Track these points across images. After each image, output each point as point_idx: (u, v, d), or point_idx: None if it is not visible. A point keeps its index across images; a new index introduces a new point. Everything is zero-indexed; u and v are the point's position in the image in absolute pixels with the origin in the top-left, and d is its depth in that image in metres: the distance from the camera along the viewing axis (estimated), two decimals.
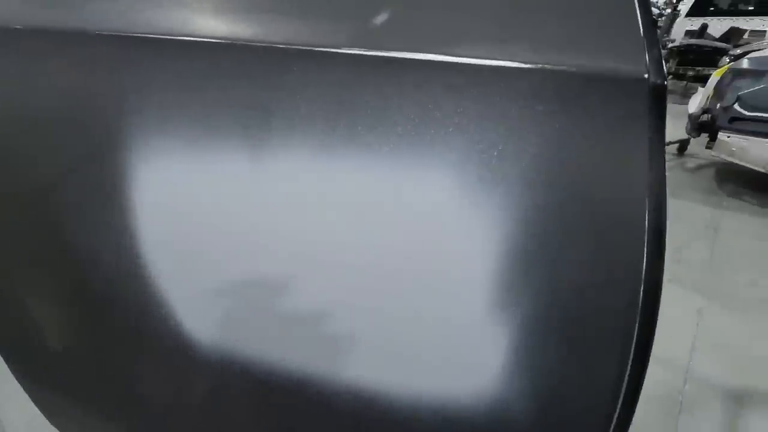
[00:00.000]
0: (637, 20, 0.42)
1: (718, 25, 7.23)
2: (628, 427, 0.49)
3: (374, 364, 0.49)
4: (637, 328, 0.44)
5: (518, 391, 0.47)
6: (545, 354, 0.46)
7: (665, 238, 0.43)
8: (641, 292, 0.43)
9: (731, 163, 3.68)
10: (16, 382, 0.78)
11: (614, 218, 0.43)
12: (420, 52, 0.46)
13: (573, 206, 0.44)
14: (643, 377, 0.47)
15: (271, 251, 0.52)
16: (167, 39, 0.53)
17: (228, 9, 0.56)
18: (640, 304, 0.43)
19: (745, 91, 3.24)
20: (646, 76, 0.41)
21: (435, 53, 0.46)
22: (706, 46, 6.89)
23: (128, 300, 0.61)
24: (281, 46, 0.51)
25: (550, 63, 0.43)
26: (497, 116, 0.45)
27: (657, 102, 0.42)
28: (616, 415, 0.47)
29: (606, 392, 0.46)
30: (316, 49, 0.49)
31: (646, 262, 0.42)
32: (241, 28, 0.54)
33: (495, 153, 0.45)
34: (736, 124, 3.34)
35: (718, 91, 3.50)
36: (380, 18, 0.49)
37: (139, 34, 0.53)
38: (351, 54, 0.48)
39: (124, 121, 0.55)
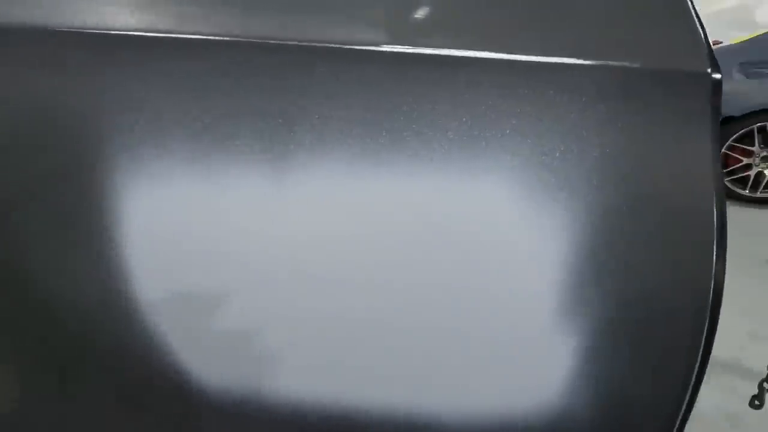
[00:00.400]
0: (693, 17, 0.42)
1: None
2: (684, 427, 0.48)
3: (444, 373, 0.44)
4: (706, 329, 0.43)
5: (589, 395, 0.44)
6: (617, 358, 0.44)
7: (727, 234, 0.43)
8: (711, 293, 0.42)
9: None
10: None
11: (684, 216, 0.42)
12: (472, 49, 0.42)
13: (641, 206, 0.42)
14: (703, 378, 0.46)
15: (320, 291, 0.45)
16: (164, 37, 0.45)
17: (236, 2, 0.48)
18: (709, 305, 0.42)
19: None
20: (708, 70, 0.41)
21: (489, 50, 0.42)
22: None
23: (123, 353, 0.50)
24: (306, 43, 0.44)
25: (613, 59, 0.41)
26: (557, 116, 0.42)
27: (716, 96, 0.41)
28: (679, 419, 0.46)
29: (674, 394, 0.44)
30: (351, 47, 0.44)
31: (716, 260, 0.42)
32: (255, 23, 0.46)
33: (557, 155, 0.42)
34: None
35: None
36: (422, 12, 0.45)
37: (128, 33, 0.44)
38: (392, 52, 0.43)
39: (110, 136, 0.45)
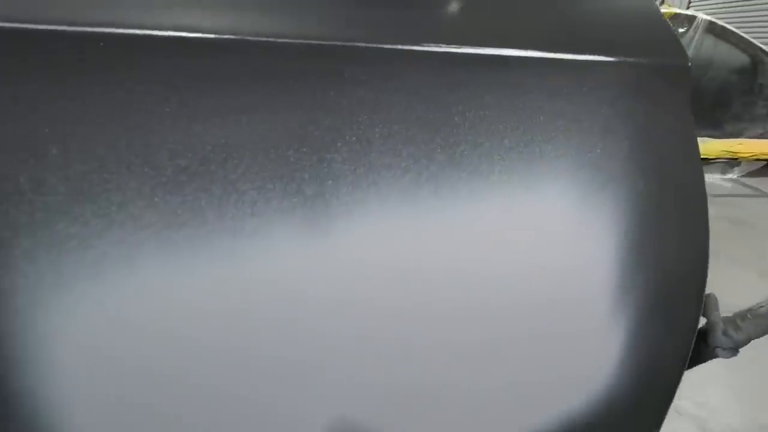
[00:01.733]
0: (669, 25, 0.46)
1: None
2: None
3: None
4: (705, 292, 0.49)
5: (632, 353, 0.45)
6: (653, 324, 0.46)
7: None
8: (708, 262, 0.48)
9: None
10: None
11: (688, 195, 0.46)
12: (517, 48, 0.37)
13: (660, 192, 0.45)
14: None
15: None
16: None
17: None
18: (707, 272, 0.48)
19: None
20: (690, 64, 0.45)
21: (533, 50, 0.38)
22: None
23: None
24: (327, 43, 0.32)
25: (629, 57, 0.42)
26: (593, 113, 0.41)
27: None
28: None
29: (687, 339, 0.49)
30: (386, 46, 0.34)
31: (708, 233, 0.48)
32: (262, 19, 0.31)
33: (598, 151, 0.41)
34: None
35: None
36: (461, 11, 0.38)
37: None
38: (436, 52, 0.35)
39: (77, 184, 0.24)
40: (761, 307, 0.71)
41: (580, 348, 0.42)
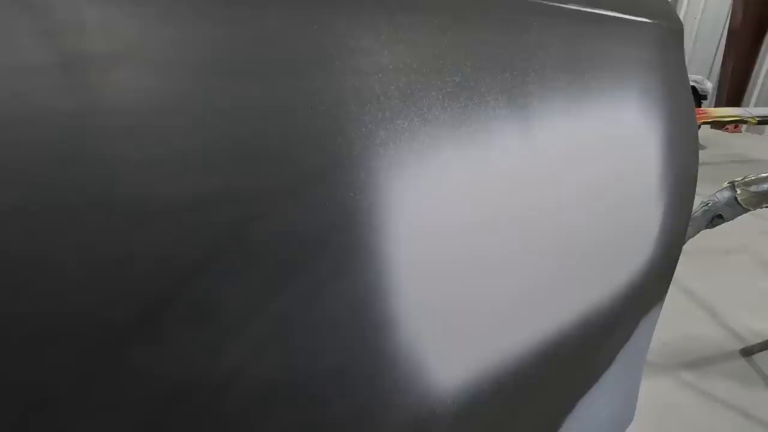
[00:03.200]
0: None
1: None
2: None
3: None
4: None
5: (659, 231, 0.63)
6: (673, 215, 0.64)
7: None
8: (698, 169, 0.67)
9: None
10: None
11: (686, 118, 0.64)
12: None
13: (676, 116, 0.62)
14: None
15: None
16: None
17: None
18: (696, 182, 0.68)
19: None
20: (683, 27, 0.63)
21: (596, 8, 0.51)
22: None
23: None
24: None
25: (650, 18, 0.58)
26: (632, 57, 0.55)
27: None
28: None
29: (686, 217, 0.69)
30: (558, 5, 0.43)
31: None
32: None
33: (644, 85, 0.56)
34: None
35: None
36: None
37: None
38: (583, 11, 0.46)
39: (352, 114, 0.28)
40: (696, 212, 0.97)
41: (640, 226, 0.58)
